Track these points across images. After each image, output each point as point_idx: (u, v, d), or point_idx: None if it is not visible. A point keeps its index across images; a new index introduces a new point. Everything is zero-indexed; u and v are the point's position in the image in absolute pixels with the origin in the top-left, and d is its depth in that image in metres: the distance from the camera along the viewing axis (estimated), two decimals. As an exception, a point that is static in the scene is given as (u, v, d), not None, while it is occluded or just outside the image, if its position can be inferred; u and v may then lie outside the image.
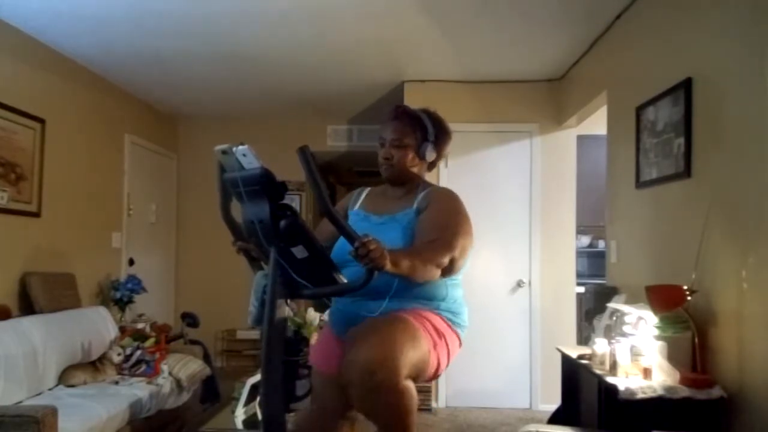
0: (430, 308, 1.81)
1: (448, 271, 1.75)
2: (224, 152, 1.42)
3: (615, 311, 2.67)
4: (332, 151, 6.03)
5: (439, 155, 2.00)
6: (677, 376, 2.23)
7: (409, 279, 1.62)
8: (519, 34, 3.67)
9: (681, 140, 2.54)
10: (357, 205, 2.05)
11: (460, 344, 1.89)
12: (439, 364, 1.78)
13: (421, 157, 1.94)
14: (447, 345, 1.81)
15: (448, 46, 3.90)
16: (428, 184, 1.99)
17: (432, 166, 2.04)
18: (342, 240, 1.78)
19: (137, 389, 3.23)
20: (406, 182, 1.96)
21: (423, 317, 1.75)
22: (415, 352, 1.63)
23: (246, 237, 1.55)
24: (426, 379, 1.81)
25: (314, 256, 1.45)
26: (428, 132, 1.93)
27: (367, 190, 2.11)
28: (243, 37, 3.74)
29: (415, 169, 1.96)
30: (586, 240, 4.93)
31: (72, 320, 3.53)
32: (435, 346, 1.75)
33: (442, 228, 1.76)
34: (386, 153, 1.93)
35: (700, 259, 2.30)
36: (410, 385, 1.58)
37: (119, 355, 3.50)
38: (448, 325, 1.83)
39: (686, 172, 2.50)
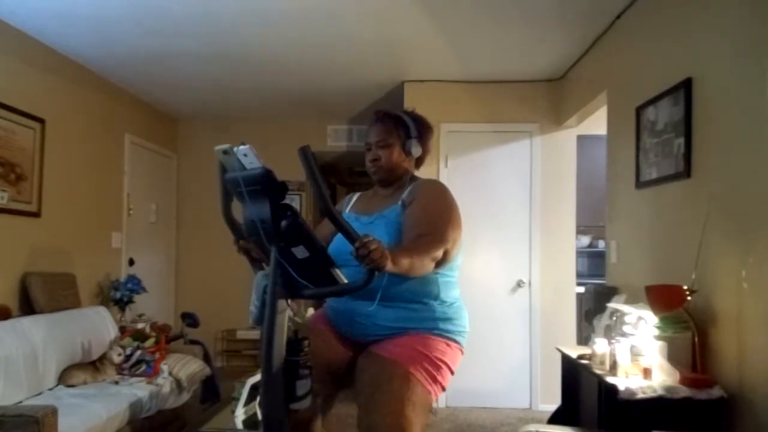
0: (426, 327, 1.82)
1: (441, 261, 1.76)
2: (225, 152, 1.42)
3: (615, 311, 2.67)
4: (332, 151, 6.03)
5: (425, 150, 2.03)
6: (677, 376, 2.23)
7: (405, 275, 1.63)
8: (519, 34, 3.67)
9: (681, 140, 2.54)
10: (348, 209, 2.08)
11: (463, 353, 1.90)
12: (443, 389, 1.82)
13: (407, 153, 1.97)
14: (449, 367, 1.83)
15: (448, 46, 3.90)
16: (415, 178, 2.01)
17: (419, 162, 2.06)
18: (338, 239, 1.78)
19: (137, 389, 3.23)
20: (396, 180, 1.98)
21: (421, 355, 1.77)
22: (420, 409, 1.72)
23: (247, 237, 1.55)
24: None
25: (315, 256, 1.45)
26: (410, 128, 1.97)
27: (358, 194, 2.15)
28: (243, 37, 3.75)
29: (403, 166, 1.98)
30: (586, 240, 4.93)
31: (72, 320, 3.53)
32: (435, 379, 1.78)
33: (431, 220, 1.77)
34: (373, 155, 1.96)
35: (700, 259, 2.30)
36: None
37: (119, 355, 3.50)
38: (448, 344, 1.84)
39: (686, 172, 2.50)
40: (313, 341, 1.63)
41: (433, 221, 1.77)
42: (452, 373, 1.85)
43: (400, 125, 1.97)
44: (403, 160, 1.97)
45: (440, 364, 1.79)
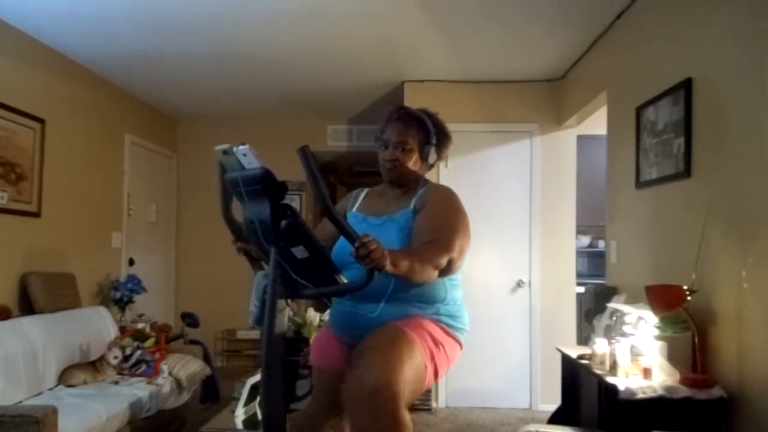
0: (428, 315, 1.82)
1: (446, 271, 1.75)
2: (225, 152, 1.42)
3: (615, 311, 2.67)
4: (332, 151, 6.03)
5: (439, 157, 2.02)
6: (677, 376, 2.23)
7: (406, 280, 1.63)
8: (519, 34, 3.67)
9: (681, 140, 2.54)
10: (355, 207, 2.05)
11: (461, 348, 1.90)
12: (436, 374, 1.80)
13: (424, 159, 1.95)
14: (446, 353, 1.82)
15: (448, 46, 3.90)
16: (426, 182, 2.00)
17: (431, 166, 2.05)
18: (342, 240, 1.78)
19: (137, 389, 3.23)
20: (408, 183, 1.97)
21: (422, 328, 1.76)
22: (412, 370, 1.67)
23: (246, 237, 1.55)
24: (423, 390, 1.83)
25: (314, 256, 1.45)
26: (430, 134, 1.94)
27: (365, 191, 2.11)
28: (243, 37, 3.75)
29: (417, 171, 1.97)
30: (586, 240, 4.93)
31: (72, 320, 3.54)
32: (432, 357, 1.76)
33: (440, 228, 1.76)
34: (391, 155, 1.92)
35: (700, 259, 2.30)
36: (407, 417, 1.62)
37: (116, 358, 3.49)
38: (447, 333, 1.84)
39: (686, 172, 2.50)
40: (316, 381, 1.62)
41: (441, 229, 1.76)
42: (449, 363, 1.84)
43: (420, 129, 1.93)
44: (419, 165, 1.95)
45: (439, 346, 1.79)
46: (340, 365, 1.86)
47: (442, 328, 1.83)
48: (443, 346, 1.80)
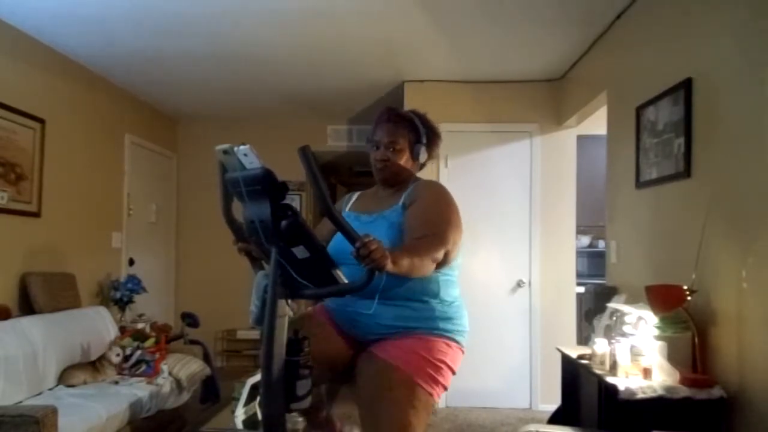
0: (426, 326, 1.82)
1: (442, 263, 1.77)
2: (225, 152, 1.42)
3: (615, 311, 2.67)
4: (332, 151, 6.03)
5: (430, 156, 2.04)
6: (677, 376, 2.23)
7: (406, 276, 1.63)
8: (519, 34, 3.67)
9: (681, 140, 2.54)
10: (348, 208, 2.08)
11: (463, 352, 1.91)
12: (444, 388, 1.83)
13: (415, 158, 1.98)
14: (449, 368, 1.84)
15: (448, 46, 3.90)
16: (416, 179, 2.02)
17: (422, 165, 2.07)
18: (337, 238, 1.79)
19: (137, 389, 3.23)
20: (400, 182, 1.99)
21: (419, 357, 1.77)
22: (419, 412, 1.73)
23: (247, 237, 1.55)
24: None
25: (315, 256, 1.44)
26: (420, 134, 1.97)
27: (358, 193, 2.15)
28: (243, 37, 3.75)
29: (409, 170, 1.99)
30: (586, 240, 4.93)
31: (72, 320, 3.54)
32: (436, 381, 1.79)
33: (433, 222, 1.78)
34: (383, 155, 1.95)
35: (700, 259, 2.30)
36: None
37: (117, 355, 3.50)
38: (448, 344, 1.84)
39: (686, 172, 2.50)
40: (313, 333, 1.64)
41: (434, 222, 1.77)
42: (453, 373, 1.86)
43: (410, 129, 1.96)
44: (411, 164, 1.98)
45: (441, 365, 1.80)
46: (341, 334, 1.91)
47: (442, 341, 1.83)
48: (445, 363, 1.81)
